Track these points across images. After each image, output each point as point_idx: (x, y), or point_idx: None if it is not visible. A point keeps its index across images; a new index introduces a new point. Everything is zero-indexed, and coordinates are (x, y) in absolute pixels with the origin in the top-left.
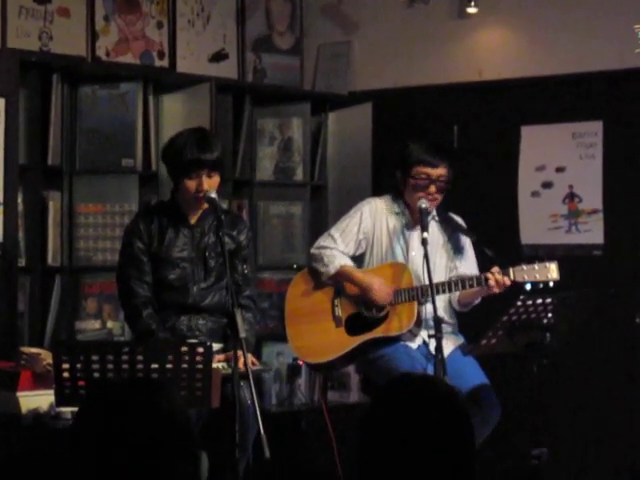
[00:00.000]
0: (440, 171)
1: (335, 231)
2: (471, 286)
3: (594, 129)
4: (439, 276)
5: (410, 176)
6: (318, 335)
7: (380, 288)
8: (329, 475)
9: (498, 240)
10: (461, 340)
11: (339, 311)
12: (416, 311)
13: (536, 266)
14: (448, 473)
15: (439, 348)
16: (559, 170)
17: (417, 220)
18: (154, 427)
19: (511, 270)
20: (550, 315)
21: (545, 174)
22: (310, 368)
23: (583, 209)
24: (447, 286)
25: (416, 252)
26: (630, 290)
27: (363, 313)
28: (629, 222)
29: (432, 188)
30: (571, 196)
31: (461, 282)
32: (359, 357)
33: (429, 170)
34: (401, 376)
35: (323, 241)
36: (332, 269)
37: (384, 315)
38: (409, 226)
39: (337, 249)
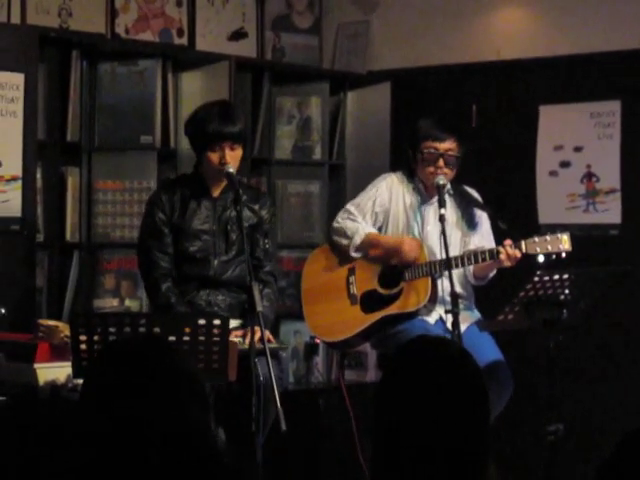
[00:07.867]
0: (448, 145)
1: (351, 205)
2: (484, 260)
3: (612, 109)
4: (454, 251)
5: (419, 152)
6: (334, 314)
7: (410, 243)
8: (347, 453)
9: (516, 219)
10: (477, 316)
11: (354, 289)
12: (430, 286)
13: (548, 237)
14: (462, 433)
15: (456, 323)
16: (577, 150)
17: (432, 195)
18: (166, 378)
19: (523, 242)
20: (567, 291)
21: (563, 154)
22: (327, 346)
23: (601, 189)
24: (460, 260)
25: (431, 227)
26: None
27: (378, 290)
28: None
29: (440, 162)
30: (589, 176)
31: (474, 256)
32: (376, 334)
33: (436, 144)
34: (417, 337)
35: (341, 215)
36: (358, 238)
37: (398, 291)
38: (424, 201)
39: (357, 220)
